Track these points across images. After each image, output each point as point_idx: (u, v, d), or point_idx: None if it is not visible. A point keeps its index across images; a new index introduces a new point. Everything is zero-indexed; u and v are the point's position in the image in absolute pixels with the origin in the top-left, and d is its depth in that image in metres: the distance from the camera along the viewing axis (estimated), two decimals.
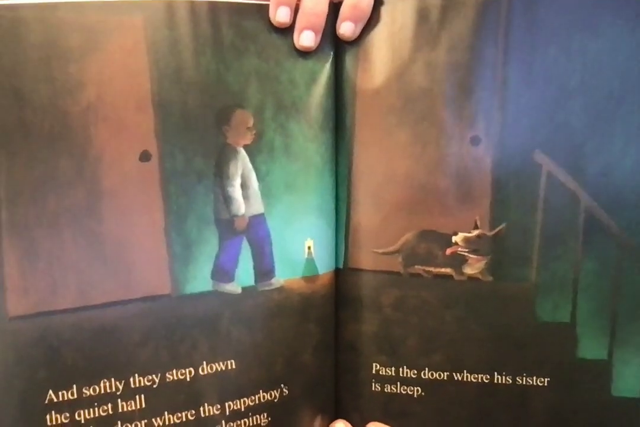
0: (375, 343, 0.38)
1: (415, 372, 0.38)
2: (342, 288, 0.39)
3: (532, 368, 0.36)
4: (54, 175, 0.30)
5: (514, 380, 0.37)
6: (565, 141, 0.34)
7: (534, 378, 0.36)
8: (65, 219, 0.31)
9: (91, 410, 0.31)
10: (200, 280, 0.34)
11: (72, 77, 0.30)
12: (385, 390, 0.38)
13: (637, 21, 0.33)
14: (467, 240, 0.36)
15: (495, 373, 0.37)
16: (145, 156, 0.32)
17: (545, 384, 0.36)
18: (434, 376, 0.38)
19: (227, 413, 0.35)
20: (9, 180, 0.30)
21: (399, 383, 0.38)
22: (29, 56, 0.29)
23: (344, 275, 0.38)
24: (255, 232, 0.35)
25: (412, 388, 0.38)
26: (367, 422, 0.39)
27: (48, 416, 0.30)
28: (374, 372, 0.38)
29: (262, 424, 0.36)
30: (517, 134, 0.35)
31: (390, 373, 0.38)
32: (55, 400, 0.31)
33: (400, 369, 0.38)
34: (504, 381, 0.37)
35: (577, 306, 0.36)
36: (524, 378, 0.37)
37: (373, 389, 0.38)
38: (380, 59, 0.36)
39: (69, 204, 0.31)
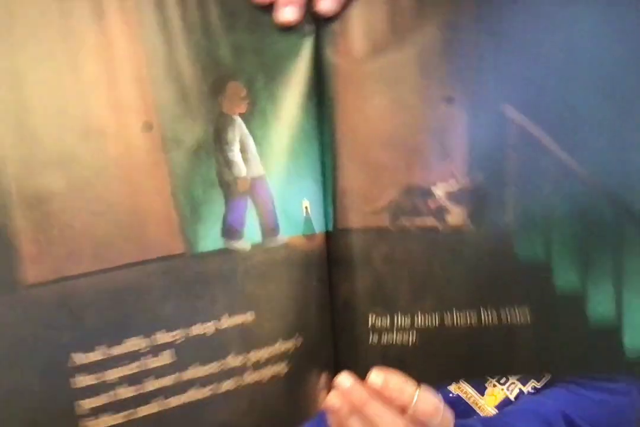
0: (369, 297, 0.40)
1: (409, 318, 0.40)
2: (333, 249, 0.41)
3: (514, 301, 0.40)
4: (62, 148, 0.31)
5: (498, 314, 0.40)
6: (532, 95, 0.38)
7: (516, 311, 0.40)
8: (77, 189, 0.31)
9: (119, 369, 0.31)
10: (211, 239, 0.35)
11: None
12: (382, 341, 0.41)
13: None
14: (447, 192, 0.40)
15: (481, 308, 0.40)
16: (147, 127, 0.33)
17: (528, 320, 0.40)
18: (427, 320, 0.40)
19: (252, 362, 0.36)
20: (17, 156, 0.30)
21: (394, 331, 0.41)
22: None
23: (334, 237, 0.41)
24: (258, 192, 0.37)
25: (407, 336, 0.41)
26: (365, 377, 0.41)
27: (74, 379, 0.30)
28: (370, 325, 0.40)
29: (282, 372, 0.37)
30: (488, 91, 0.38)
31: (385, 323, 0.40)
32: (81, 363, 0.30)
33: (395, 317, 0.40)
34: (489, 318, 0.40)
35: (552, 243, 0.39)
36: (507, 310, 0.40)
37: (370, 342, 0.41)
38: (357, 31, 0.39)
39: (78, 174, 0.31)
